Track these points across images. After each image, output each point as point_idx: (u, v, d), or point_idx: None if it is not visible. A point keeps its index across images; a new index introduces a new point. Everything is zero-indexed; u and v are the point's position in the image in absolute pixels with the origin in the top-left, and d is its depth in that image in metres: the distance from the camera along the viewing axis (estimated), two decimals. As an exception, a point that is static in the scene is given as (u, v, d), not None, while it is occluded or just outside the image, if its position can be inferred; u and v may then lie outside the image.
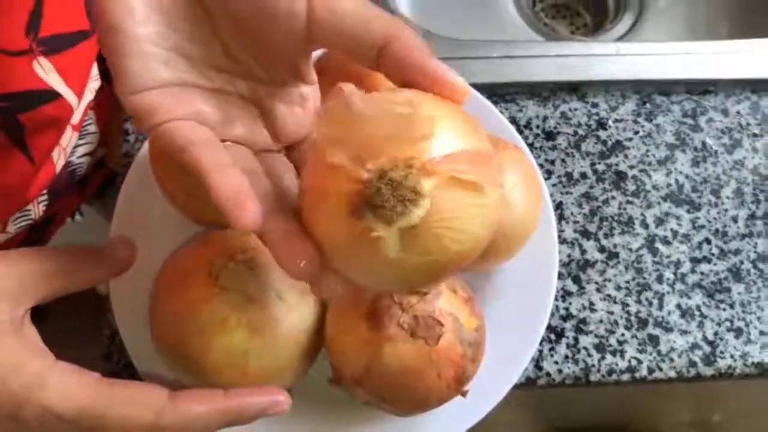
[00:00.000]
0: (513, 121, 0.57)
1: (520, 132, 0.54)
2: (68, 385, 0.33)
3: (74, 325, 0.73)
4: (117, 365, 0.48)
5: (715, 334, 0.52)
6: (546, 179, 0.55)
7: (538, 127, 0.57)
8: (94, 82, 0.51)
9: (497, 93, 0.58)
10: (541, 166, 0.55)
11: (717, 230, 0.55)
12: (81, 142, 0.54)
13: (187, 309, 0.41)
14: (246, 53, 0.32)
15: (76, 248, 0.37)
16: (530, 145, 0.56)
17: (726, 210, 0.56)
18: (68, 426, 0.33)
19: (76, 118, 0.49)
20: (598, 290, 0.53)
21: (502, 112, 0.52)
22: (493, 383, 0.45)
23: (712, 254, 0.54)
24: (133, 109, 0.30)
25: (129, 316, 0.46)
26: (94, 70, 0.51)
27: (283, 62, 0.33)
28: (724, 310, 0.53)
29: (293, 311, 0.42)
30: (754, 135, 0.58)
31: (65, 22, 0.43)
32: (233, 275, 0.41)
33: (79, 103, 0.48)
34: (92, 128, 0.55)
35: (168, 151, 0.30)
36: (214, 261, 0.41)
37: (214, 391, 0.36)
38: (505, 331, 0.46)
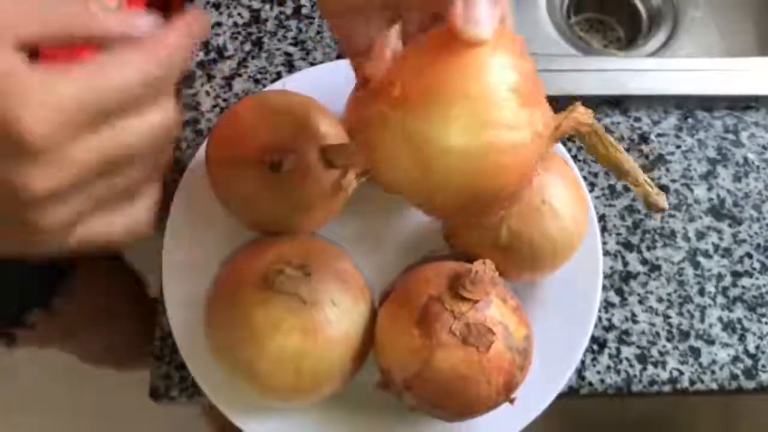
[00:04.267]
0: (556, 133, 0.57)
1: (564, 144, 0.55)
2: None
3: (127, 328, 0.75)
4: (169, 366, 0.49)
5: (757, 347, 0.52)
6: (589, 191, 0.55)
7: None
8: None
9: (540, 106, 0.58)
10: (584, 178, 0.55)
11: (758, 245, 0.55)
12: None
13: (243, 312, 0.42)
14: None
15: None
16: (574, 158, 0.56)
17: (768, 225, 0.56)
18: None
19: None
20: (640, 302, 0.53)
21: (546, 125, 0.52)
22: (538, 391, 0.46)
23: (754, 268, 0.55)
24: None
25: (182, 317, 0.47)
26: None
27: None
28: (766, 324, 0.53)
29: (346, 316, 0.43)
30: (796, 151, 0.59)
31: None
32: (288, 280, 0.42)
33: None
34: None
35: None
36: (270, 266, 0.43)
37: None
38: (550, 340, 0.46)
